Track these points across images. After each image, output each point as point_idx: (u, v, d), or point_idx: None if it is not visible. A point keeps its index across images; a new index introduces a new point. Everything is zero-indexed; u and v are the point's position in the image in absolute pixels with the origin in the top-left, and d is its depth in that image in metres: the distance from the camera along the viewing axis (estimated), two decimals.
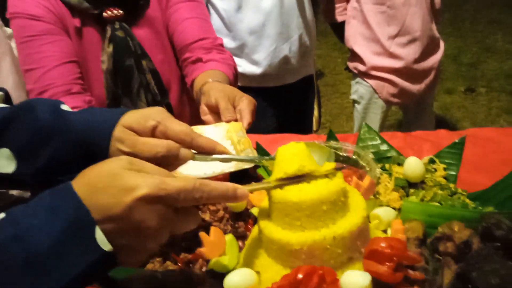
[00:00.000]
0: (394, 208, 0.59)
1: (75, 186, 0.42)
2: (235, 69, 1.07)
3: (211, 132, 0.72)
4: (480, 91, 3.39)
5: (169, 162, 0.55)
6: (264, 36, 1.44)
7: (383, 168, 0.67)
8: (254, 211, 0.62)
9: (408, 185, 0.63)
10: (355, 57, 1.84)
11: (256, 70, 1.47)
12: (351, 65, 1.88)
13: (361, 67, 1.83)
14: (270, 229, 0.50)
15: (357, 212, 0.51)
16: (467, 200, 0.60)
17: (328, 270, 0.44)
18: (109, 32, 1.00)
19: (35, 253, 0.39)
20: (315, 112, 3.07)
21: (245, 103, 0.77)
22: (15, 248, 0.40)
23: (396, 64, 1.78)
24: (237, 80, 1.11)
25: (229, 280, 0.48)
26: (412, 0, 1.72)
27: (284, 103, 1.57)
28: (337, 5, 1.83)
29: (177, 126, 0.56)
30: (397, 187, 0.63)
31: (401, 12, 1.73)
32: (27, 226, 0.41)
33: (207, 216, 0.62)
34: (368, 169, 0.65)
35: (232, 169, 0.62)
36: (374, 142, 0.75)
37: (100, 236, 0.41)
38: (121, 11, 1.01)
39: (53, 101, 0.60)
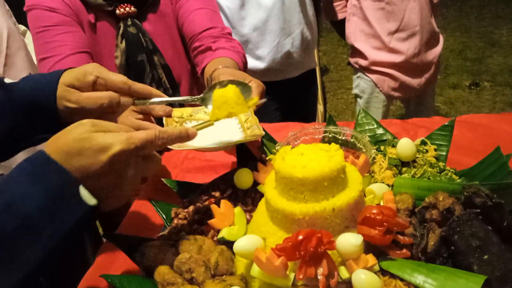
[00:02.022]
0: (388, 185, 0.65)
1: (49, 153, 0.47)
2: (244, 56, 1.11)
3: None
4: (485, 86, 3.41)
5: (112, 110, 0.62)
6: (266, 32, 1.49)
7: (378, 150, 0.73)
8: (260, 188, 0.68)
9: (401, 164, 0.69)
10: (356, 52, 1.89)
11: (259, 65, 1.52)
12: (353, 60, 1.93)
13: (362, 62, 1.87)
14: (276, 200, 0.56)
15: (354, 186, 0.56)
16: (454, 176, 0.65)
17: (325, 233, 0.50)
18: (121, 29, 1.06)
19: (24, 218, 0.44)
20: (320, 107, 3.13)
21: (254, 86, 0.82)
22: (4, 216, 0.44)
23: (396, 58, 1.82)
24: (246, 66, 1.15)
25: (238, 244, 0.54)
26: None
27: (288, 96, 1.62)
28: (336, 3, 1.88)
29: (114, 76, 0.63)
30: (391, 166, 0.68)
31: (400, 7, 1.77)
32: (13, 194, 0.45)
33: (218, 193, 0.69)
34: (364, 150, 0.71)
35: (238, 140, 0.68)
36: (371, 127, 0.80)
37: (84, 193, 0.47)
38: (133, 8, 1.06)
39: None
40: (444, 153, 0.72)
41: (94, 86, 0.63)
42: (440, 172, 0.65)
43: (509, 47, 3.96)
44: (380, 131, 0.79)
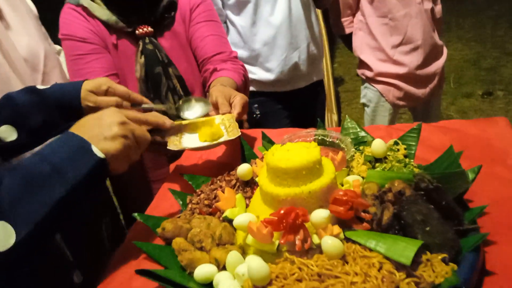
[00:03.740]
0: (362, 177, 0.79)
1: (73, 130, 0.69)
2: (245, 76, 1.29)
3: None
4: (498, 95, 3.48)
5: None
6: (275, 47, 1.65)
7: (357, 149, 0.87)
8: (259, 180, 0.83)
9: (374, 160, 0.83)
10: (363, 64, 2.03)
11: (269, 76, 1.68)
12: (360, 71, 2.07)
13: (368, 73, 2.01)
14: (266, 186, 0.72)
15: (327, 175, 0.71)
16: (416, 169, 0.79)
17: (302, 209, 0.65)
18: (141, 46, 1.24)
19: (56, 164, 0.64)
20: (334, 116, 3.25)
21: (238, 99, 1.01)
22: (43, 164, 0.64)
23: (400, 70, 1.96)
24: (247, 84, 1.32)
25: (237, 219, 0.69)
26: (412, 12, 1.89)
27: (296, 106, 1.78)
28: (344, 19, 2.03)
29: (120, 88, 0.93)
30: (366, 162, 0.82)
31: (402, 23, 1.90)
32: (48, 152, 0.66)
33: (224, 184, 0.85)
34: (346, 149, 0.85)
35: (222, 140, 0.91)
36: (354, 131, 0.95)
37: (95, 149, 0.67)
38: (150, 28, 1.24)
39: (29, 86, 0.91)
40: (412, 152, 0.86)
41: (106, 93, 0.92)
42: (405, 166, 0.79)
43: None
44: (362, 134, 0.94)
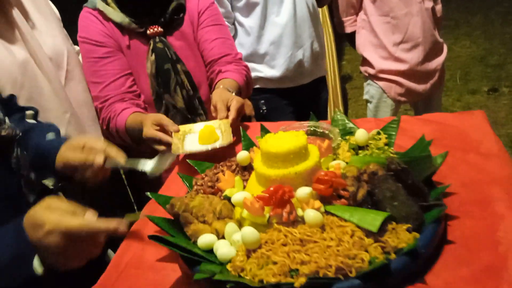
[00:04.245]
0: (346, 163, 0.89)
1: (24, 223, 0.65)
2: (247, 76, 1.42)
3: (210, 123, 1.15)
4: (503, 91, 3.52)
5: (90, 166, 0.90)
6: (281, 46, 1.76)
7: (344, 139, 0.98)
8: (254, 163, 0.95)
9: (358, 148, 0.94)
10: (366, 62, 2.12)
11: (275, 73, 1.79)
12: (363, 69, 2.16)
13: (371, 71, 2.11)
14: (260, 168, 0.83)
15: (312, 159, 0.82)
16: (392, 155, 0.89)
17: (288, 187, 0.76)
18: (151, 45, 1.36)
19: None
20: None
21: (233, 103, 1.14)
22: None
23: (401, 67, 2.04)
24: (250, 83, 1.46)
25: (235, 197, 0.81)
26: (413, 11, 1.98)
27: (300, 101, 1.88)
28: (347, 18, 2.12)
29: (97, 143, 0.91)
30: (350, 149, 0.93)
31: (403, 22, 1.99)
32: None
33: (225, 168, 0.96)
34: (333, 138, 0.96)
35: (218, 146, 1.05)
36: (343, 123, 1.06)
37: (36, 263, 0.64)
38: (160, 29, 1.36)
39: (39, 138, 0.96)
40: (392, 140, 0.96)
41: (83, 149, 0.91)
42: (383, 153, 0.90)
43: None
44: (350, 125, 1.04)
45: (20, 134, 0.85)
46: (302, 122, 1.06)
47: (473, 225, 0.77)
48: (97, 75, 1.35)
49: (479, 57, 4.14)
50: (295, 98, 1.87)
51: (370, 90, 2.15)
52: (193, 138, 1.14)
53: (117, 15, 1.35)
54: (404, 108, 2.23)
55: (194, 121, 1.38)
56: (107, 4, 1.36)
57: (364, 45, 2.11)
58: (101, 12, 1.36)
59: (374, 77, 2.11)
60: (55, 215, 0.64)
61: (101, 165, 0.89)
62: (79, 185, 0.95)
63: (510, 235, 0.72)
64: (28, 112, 1.02)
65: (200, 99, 1.44)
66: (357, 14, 2.12)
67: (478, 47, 4.37)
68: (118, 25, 1.36)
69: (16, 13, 1.15)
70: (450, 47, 4.56)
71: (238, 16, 1.75)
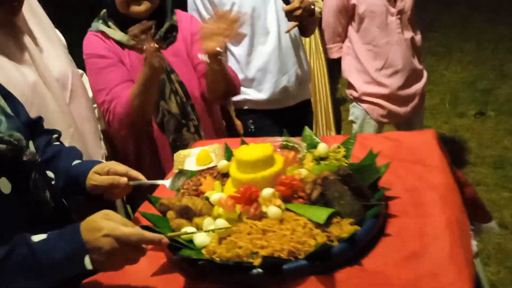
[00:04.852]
0: (309, 171, 1.06)
1: (80, 226, 0.78)
2: (233, 75, 1.68)
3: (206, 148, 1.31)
4: (490, 115, 3.67)
5: (117, 186, 1.07)
6: (268, 72, 1.95)
7: (309, 151, 1.15)
8: (230, 170, 1.12)
9: (320, 159, 1.11)
10: (350, 85, 2.31)
11: (262, 96, 1.97)
12: (348, 92, 2.34)
13: (355, 94, 2.29)
14: (235, 173, 1.01)
15: (277, 166, 0.99)
16: (345, 165, 1.06)
17: (255, 188, 0.93)
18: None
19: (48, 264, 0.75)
20: (333, 133, 3.51)
21: None
22: (34, 258, 0.75)
23: (383, 91, 2.22)
24: (233, 81, 1.71)
25: (213, 197, 0.98)
26: (393, 41, 2.17)
27: (286, 122, 2.05)
28: (334, 45, 2.32)
29: (119, 167, 1.07)
30: (313, 160, 1.10)
31: (384, 50, 2.18)
32: (46, 248, 0.77)
33: (208, 175, 1.13)
34: (300, 151, 1.13)
35: (212, 165, 1.20)
36: (311, 138, 1.23)
37: (87, 261, 0.76)
38: (156, 45, 1.53)
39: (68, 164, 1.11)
40: (349, 153, 1.13)
41: (108, 173, 1.07)
42: (339, 163, 1.07)
43: None
44: (316, 140, 1.22)
45: (39, 159, 0.99)
46: (277, 138, 1.23)
47: (408, 221, 0.93)
48: (103, 82, 1.56)
49: (469, 82, 4.31)
50: (281, 119, 2.03)
51: (355, 111, 2.33)
52: (191, 160, 1.31)
53: (117, 34, 1.59)
54: (387, 129, 2.39)
55: (187, 126, 1.62)
56: (108, 26, 1.60)
57: (349, 70, 2.30)
58: (103, 33, 1.60)
59: (358, 100, 2.29)
60: (112, 222, 0.78)
61: (126, 184, 1.07)
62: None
63: (434, 230, 0.88)
64: (54, 136, 1.19)
65: (192, 106, 1.65)
66: (343, 42, 2.32)
67: (468, 73, 4.54)
68: (119, 43, 1.59)
69: (26, 39, 1.31)
70: (441, 72, 4.78)
71: (229, 45, 1.94)
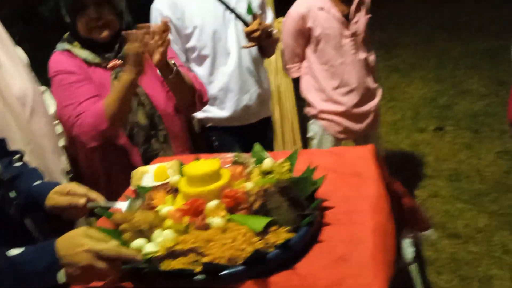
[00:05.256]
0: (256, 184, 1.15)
1: (56, 243, 0.84)
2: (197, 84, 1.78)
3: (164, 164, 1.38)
4: (448, 130, 3.86)
5: (75, 207, 1.12)
6: (229, 91, 2.05)
7: (256, 166, 1.24)
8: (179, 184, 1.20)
9: (265, 173, 1.20)
10: (309, 103, 2.43)
11: (224, 114, 2.07)
12: (306, 110, 2.46)
13: (313, 111, 2.40)
14: (184, 187, 1.09)
15: (223, 180, 1.08)
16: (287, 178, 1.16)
17: (201, 200, 1.01)
18: (113, 75, 1.66)
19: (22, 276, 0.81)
20: (298, 147, 3.62)
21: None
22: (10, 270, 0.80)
23: (339, 108, 2.35)
24: (198, 92, 1.80)
25: (163, 210, 1.06)
26: (348, 61, 2.30)
27: (248, 138, 2.15)
28: (294, 65, 2.44)
29: (79, 189, 1.13)
30: (260, 174, 1.19)
31: (339, 70, 2.31)
32: (21, 261, 0.82)
33: (161, 190, 1.21)
34: (248, 165, 1.23)
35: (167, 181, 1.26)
36: (260, 154, 1.32)
37: (60, 275, 0.82)
38: (119, 61, 1.64)
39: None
40: (293, 167, 1.23)
41: (68, 193, 1.12)
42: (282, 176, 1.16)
43: (476, 94, 4.41)
44: (265, 155, 1.31)
45: (6, 178, 1.05)
46: (229, 154, 1.32)
47: (340, 229, 1.03)
48: (70, 97, 1.61)
49: (430, 98, 4.51)
50: (243, 136, 2.13)
51: (313, 128, 2.45)
52: (149, 177, 1.38)
53: (83, 53, 1.67)
54: (344, 144, 2.51)
55: (156, 136, 1.71)
56: (73, 45, 1.68)
57: (307, 89, 2.42)
58: (69, 52, 1.68)
59: (316, 117, 2.41)
60: (92, 239, 0.85)
61: (84, 205, 1.13)
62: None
63: (361, 235, 0.98)
64: (15, 157, 1.24)
65: (159, 117, 1.73)
66: (301, 62, 2.44)
67: (429, 89, 4.76)
68: (85, 61, 1.67)
69: None
70: (404, 89, 4.99)
71: (193, 65, 2.04)
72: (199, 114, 2.04)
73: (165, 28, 1.52)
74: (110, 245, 0.86)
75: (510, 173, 3.09)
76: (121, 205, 1.19)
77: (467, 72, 5.03)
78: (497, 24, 5.99)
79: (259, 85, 2.13)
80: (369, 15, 2.40)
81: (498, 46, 5.03)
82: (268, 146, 2.32)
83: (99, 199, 1.15)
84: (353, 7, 2.24)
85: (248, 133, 2.15)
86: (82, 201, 1.12)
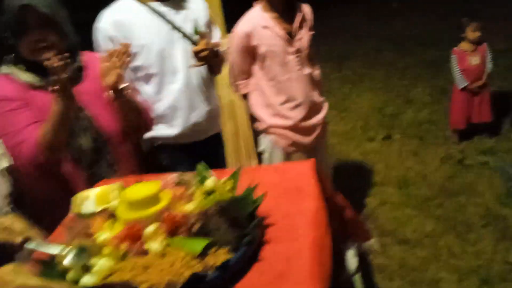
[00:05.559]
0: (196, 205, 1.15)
1: None
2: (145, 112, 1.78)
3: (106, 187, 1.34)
4: (396, 138, 4.02)
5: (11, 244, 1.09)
6: (177, 109, 2.04)
7: (199, 186, 1.25)
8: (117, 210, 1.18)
9: (208, 193, 1.20)
10: (257, 119, 2.46)
11: (173, 131, 2.05)
12: (255, 125, 2.49)
13: (262, 126, 2.44)
14: (121, 212, 1.07)
15: (163, 202, 1.08)
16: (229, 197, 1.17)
17: (138, 225, 1.00)
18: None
19: None
20: (254, 162, 3.64)
21: None
22: None
23: (287, 122, 2.39)
24: (143, 116, 1.82)
25: (100, 237, 1.04)
26: (293, 77, 2.35)
27: (198, 155, 2.14)
28: (241, 82, 2.47)
29: (17, 225, 1.10)
30: (203, 194, 1.19)
31: (286, 85, 2.36)
32: None
33: (101, 216, 1.19)
34: (192, 186, 1.23)
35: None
36: (204, 173, 1.33)
37: None
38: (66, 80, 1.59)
39: None
40: (235, 185, 1.25)
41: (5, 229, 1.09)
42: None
43: (421, 103, 4.62)
44: (208, 175, 1.32)
45: None
46: (173, 174, 1.31)
47: (280, 246, 1.05)
48: (9, 125, 1.56)
49: (378, 108, 4.68)
50: (194, 153, 2.12)
51: (263, 143, 2.48)
52: (91, 202, 1.34)
53: (24, 76, 1.61)
54: (295, 156, 2.56)
55: (102, 161, 1.69)
56: (17, 68, 1.62)
57: (256, 105, 2.45)
58: (9, 75, 1.61)
59: (265, 132, 2.45)
60: (21, 275, 0.87)
61: (19, 245, 1.08)
62: None
63: (300, 252, 1.00)
64: None
65: (105, 141, 1.69)
66: (249, 78, 2.47)
67: (378, 99, 4.94)
68: (26, 84, 1.61)
69: None
70: (354, 99, 5.15)
71: (140, 84, 2.02)
72: (147, 133, 2.02)
73: (126, 50, 1.50)
74: (40, 280, 0.85)
75: (453, 178, 3.25)
76: (58, 250, 1.08)
77: (412, 82, 5.27)
78: (439, 36, 6.33)
79: (208, 102, 2.14)
80: (312, 32, 2.47)
81: (440, 56, 5.30)
82: (221, 162, 2.34)
83: (39, 238, 1.10)
84: (296, 25, 2.30)
85: (198, 150, 2.15)
86: (18, 240, 1.08)
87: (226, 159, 2.45)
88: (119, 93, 1.61)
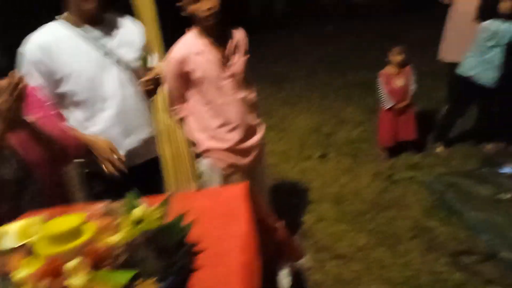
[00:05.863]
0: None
1: None
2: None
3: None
4: (331, 156, 4.18)
5: None
6: (112, 134, 2.00)
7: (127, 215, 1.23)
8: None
9: (136, 222, 1.19)
10: (194, 143, 2.47)
11: None
12: (192, 149, 2.49)
13: (199, 149, 2.45)
14: (42, 246, 1.03)
15: (86, 235, 1.05)
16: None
17: (59, 261, 0.97)
18: None
19: None
20: (194, 184, 3.61)
21: None
22: None
23: (224, 145, 2.42)
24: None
25: (16, 276, 0.98)
26: (228, 101, 2.39)
27: (135, 181, 2.10)
28: (177, 106, 2.47)
29: None
30: (131, 224, 1.18)
31: (221, 109, 2.39)
32: None
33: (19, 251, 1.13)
34: (119, 216, 1.21)
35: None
36: (134, 201, 1.31)
37: None
38: None
39: None
40: (165, 213, 1.24)
41: None
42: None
43: (352, 123, 4.85)
44: (138, 203, 1.30)
45: None
46: (100, 204, 1.28)
47: (210, 272, 1.05)
48: None
49: (314, 128, 4.84)
50: (129, 178, 2.08)
51: (201, 165, 2.48)
52: (10, 237, 1.26)
53: None
54: (232, 178, 2.58)
55: (25, 192, 1.60)
56: None
57: (193, 129, 2.46)
58: None
59: (202, 155, 2.45)
60: None
61: None
62: None
63: (229, 277, 1.02)
64: None
65: (29, 172, 1.62)
66: (185, 103, 2.48)
67: (314, 120, 5.11)
68: None
69: None
70: (292, 120, 5.29)
71: (70, 110, 1.96)
72: (77, 161, 1.95)
73: (20, 81, 1.44)
74: None
75: (384, 193, 3.43)
76: None
77: (344, 102, 5.52)
78: (369, 59, 6.70)
79: (143, 127, 2.12)
80: (247, 56, 2.54)
81: (370, 77, 5.60)
82: (158, 187, 2.31)
83: None
84: (229, 50, 2.35)
85: (134, 175, 2.11)
86: None
87: (164, 184, 2.42)
88: (21, 126, 1.54)
